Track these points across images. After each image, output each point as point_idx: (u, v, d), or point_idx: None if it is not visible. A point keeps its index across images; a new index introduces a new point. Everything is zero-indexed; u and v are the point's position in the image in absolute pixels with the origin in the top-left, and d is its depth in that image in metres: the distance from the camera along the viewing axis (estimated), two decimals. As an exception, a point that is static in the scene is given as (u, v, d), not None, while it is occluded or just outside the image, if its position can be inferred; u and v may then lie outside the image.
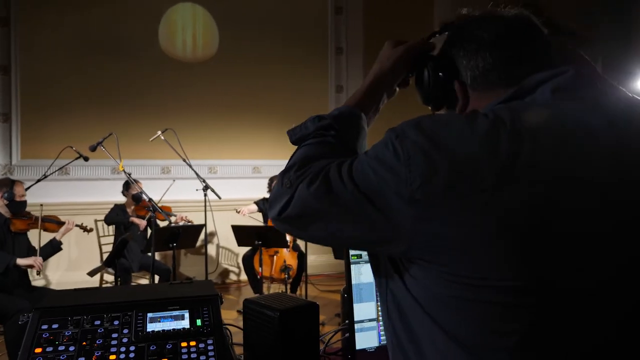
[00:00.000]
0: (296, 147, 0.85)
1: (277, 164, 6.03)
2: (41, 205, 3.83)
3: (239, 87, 5.96)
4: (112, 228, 4.86)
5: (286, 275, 4.38)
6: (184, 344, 1.21)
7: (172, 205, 4.88)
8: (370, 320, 1.42)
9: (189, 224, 4.51)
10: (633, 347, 0.60)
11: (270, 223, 4.85)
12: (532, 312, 0.59)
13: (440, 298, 0.64)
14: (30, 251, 3.59)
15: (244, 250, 4.83)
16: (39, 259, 3.47)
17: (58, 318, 1.20)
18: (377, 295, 1.38)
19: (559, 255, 0.59)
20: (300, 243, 4.95)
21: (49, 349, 1.14)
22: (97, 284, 4.52)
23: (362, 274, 1.37)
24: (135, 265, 4.52)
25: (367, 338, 1.41)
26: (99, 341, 1.17)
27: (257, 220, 5.05)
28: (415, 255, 0.66)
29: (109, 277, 4.71)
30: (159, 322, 1.25)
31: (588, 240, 0.59)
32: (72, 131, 5.12)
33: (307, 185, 0.69)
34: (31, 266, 3.41)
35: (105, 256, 4.78)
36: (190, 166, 4.06)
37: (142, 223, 4.58)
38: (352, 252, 1.38)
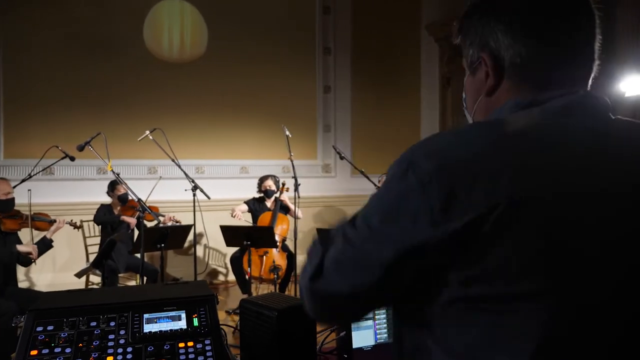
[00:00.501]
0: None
1: (264, 164, 6.02)
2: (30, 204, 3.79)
3: (226, 87, 5.93)
4: (98, 229, 4.80)
5: (275, 276, 4.37)
6: (181, 345, 1.20)
7: (159, 206, 4.84)
8: (366, 319, 1.43)
9: (178, 224, 4.47)
10: None
11: (259, 223, 4.85)
12: (550, 321, 0.61)
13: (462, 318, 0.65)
14: (21, 259, 3.58)
15: (232, 250, 4.81)
16: (36, 247, 3.58)
17: (53, 320, 1.19)
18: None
19: (576, 267, 0.61)
20: (289, 243, 4.94)
21: (45, 351, 1.12)
22: (82, 286, 4.46)
23: (359, 273, 1.38)
24: (122, 266, 4.46)
25: (364, 337, 1.42)
26: (96, 342, 1.16)
27: (247, 221, 5.03)
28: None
29: (95, 279, 4.65)
30: (156, 322, 1.24)
31: (600, 249, 0.62)
32: (57, 131, 5.04)
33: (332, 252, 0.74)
34: (29, 253, 3.50)
35: (91, 257, 4.72)
36: (179, 166, 4.03)
37: (133, 221, 4.54)
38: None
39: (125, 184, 3.67)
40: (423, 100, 7.09)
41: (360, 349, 1.42)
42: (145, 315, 1.25)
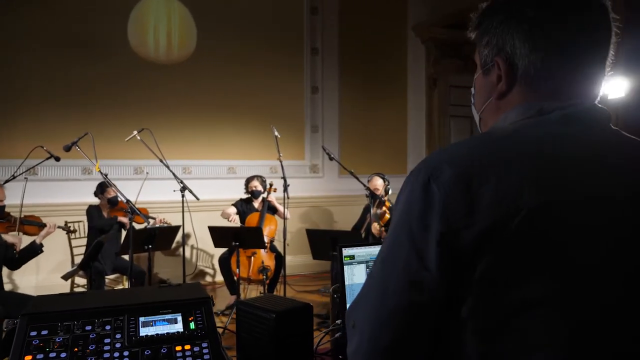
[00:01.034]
0: None
1: (252, 164, 6.00)
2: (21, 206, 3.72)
3: (213, 87, 5.89)
4: (84, 230, 4.73)
5: (264, 276, 4.36)
6: (178, 348, 1.20)
7: (147, 206, 4.79)
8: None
9: (166, 225, 4.42)
10: None
11: (247, 224, 4.83)
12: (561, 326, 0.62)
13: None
14: (7, 254, 3.48)
15: (219, 251, 4.78)
16: (21, 238, 3.58)
17: (47, 324, 1.17)
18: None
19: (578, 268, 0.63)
20: (277, 244, 4.93)
21: (40, 356, 1.11)
22: (68, 288, 4.40)
23: (355, 274, 1.39)
24: (109, 267, 4.41)
25: (360, 338, 1.42)
26: (92, 347, 1.14)
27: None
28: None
29: (81, 281, 4.58)
30: (152, 326, 1.23)
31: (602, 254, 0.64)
32: (42, 131, 4.96)
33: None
34: (14, 244, 3.47)
35: (77, 259, 4.65)
36: (167, 167, 4.00)
37: (128, 221, 4.48)
38: (344, 253, 1.39)
39: (115, 186, 3.62)
40: (410, 101, 7.13)
41: (356, 350, 1.42)
42: (141, 319, 1.24)
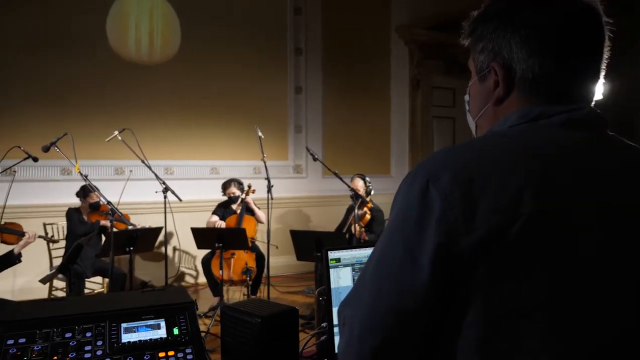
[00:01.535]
0: None
1: (235, 165, 5.95)
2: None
3: (196, 87, 5.82)
4: (63, 232, 4.64)
5: (248, 277, 4.33)
6: (162, 354, 1.17)
7: (127, 207, 4.70)
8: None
9: (147, 227, 4.36)
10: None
11: (228, 224, 4.79)
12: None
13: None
14: None
15: (202, 252, 4.73)
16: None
17: (25, 332, 1.14)
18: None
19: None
20: (260, 244, 4.90)
21: (17, 365, 1.07)
22: (45, 292, 4.30)
23: (341, 277, 1.38)
24: (89, 270, 4.32)
25: (346, 341, 1.41)
26: (72, 355, 1.11)
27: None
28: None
29: (60, 284, 4.49)
30: (134, 332, 1.21)
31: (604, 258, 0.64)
32: (19, 131, 4.84)
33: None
34: None
35: (55, 262, 4.55)
36: (149, 167, 3.94)
37: (109, 224, 4.39)
38: (330, 255, 1.38)
39: (97, 189, 3.55)
40: (393, 101, 7.16)
41: (342, 353, 1.41)
42: (123, 325, 1.21)
